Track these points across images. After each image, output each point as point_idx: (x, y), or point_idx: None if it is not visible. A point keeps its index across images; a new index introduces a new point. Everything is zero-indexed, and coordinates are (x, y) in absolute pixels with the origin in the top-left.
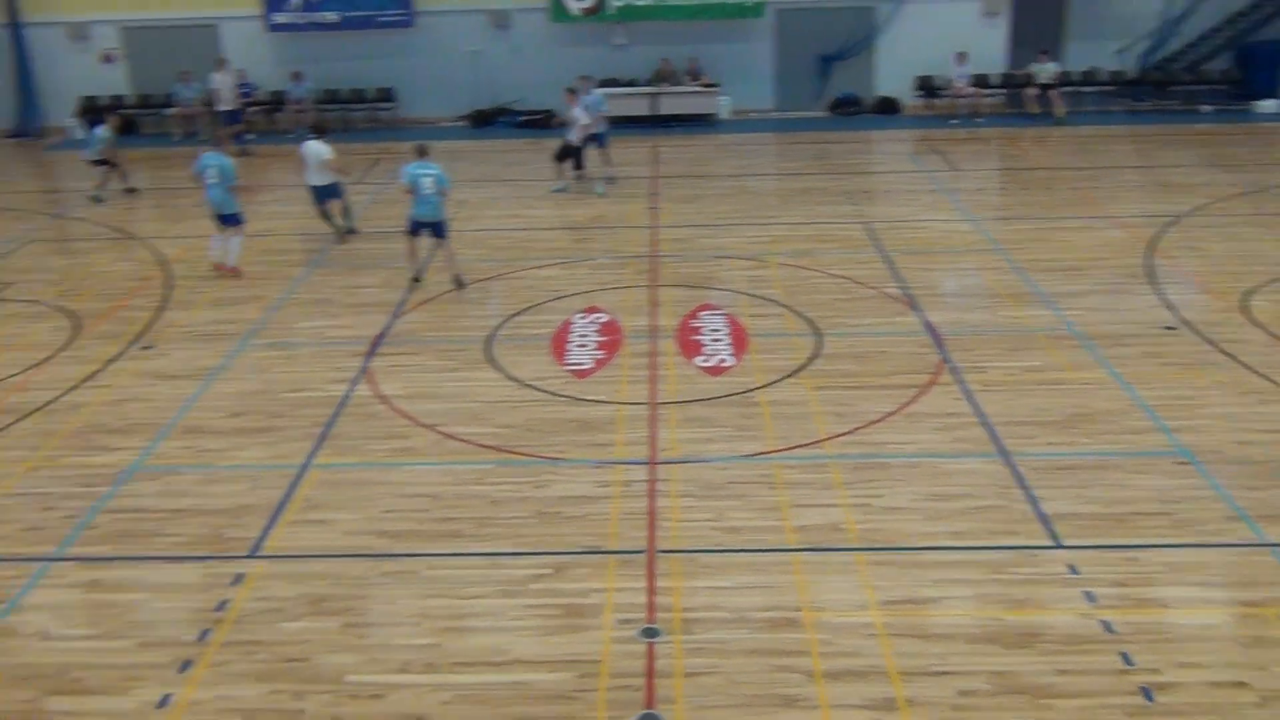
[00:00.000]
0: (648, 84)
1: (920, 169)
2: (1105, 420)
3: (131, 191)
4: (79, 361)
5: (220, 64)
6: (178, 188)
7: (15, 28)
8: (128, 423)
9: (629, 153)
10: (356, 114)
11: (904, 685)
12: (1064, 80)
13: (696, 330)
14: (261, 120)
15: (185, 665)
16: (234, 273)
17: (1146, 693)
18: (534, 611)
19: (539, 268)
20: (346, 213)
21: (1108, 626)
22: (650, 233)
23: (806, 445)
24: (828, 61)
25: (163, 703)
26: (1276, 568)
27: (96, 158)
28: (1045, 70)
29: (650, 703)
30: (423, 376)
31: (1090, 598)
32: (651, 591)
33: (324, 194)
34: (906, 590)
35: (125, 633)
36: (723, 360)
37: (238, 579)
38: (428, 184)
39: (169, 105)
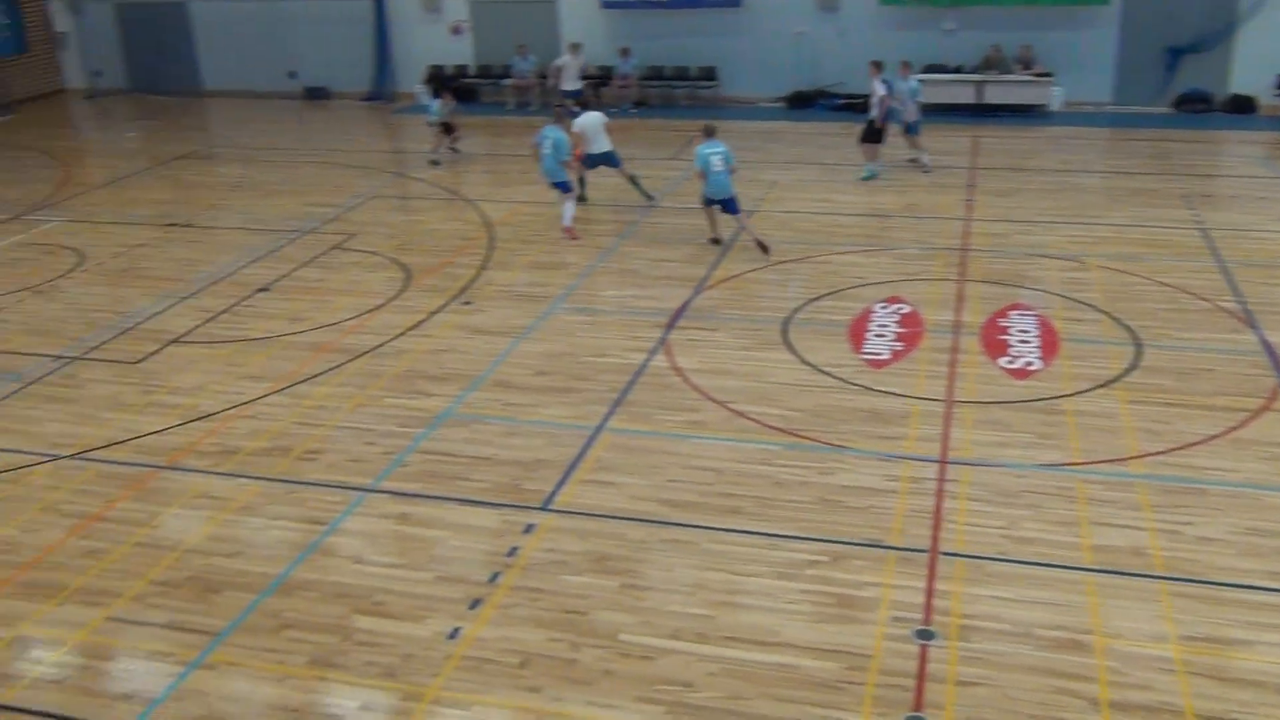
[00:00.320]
0: (974, 71)
1: (1273, 174)
2: None
3: (455, 152)
4: (406, 311)
5: (574, 48)
6: (507, 154)
7: (379, 1)
8: (444, 371)
9: (948, 141)
10: (678, 91)
11: None
12: None
13: (1004, 330)
14: (588, 94)
15: (475, 603)
16: (569, 234)
17: None
18: (807, 597)
19: (844, 253)
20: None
21: None
22: (963, 225)
23: (1113, 461)
24: (1177, 53)
25: (452, 635)
26: None
27: (436, 121)
28: None
29: (919, 705)
30: (718, 353)
31: None
32: (930, 593)
33: (602, 161)
34: (1212, 628)
35: (425, 565)
36: (1029, 363)
37: (529, 528)
38: (716, 162)
39: (506, 76)
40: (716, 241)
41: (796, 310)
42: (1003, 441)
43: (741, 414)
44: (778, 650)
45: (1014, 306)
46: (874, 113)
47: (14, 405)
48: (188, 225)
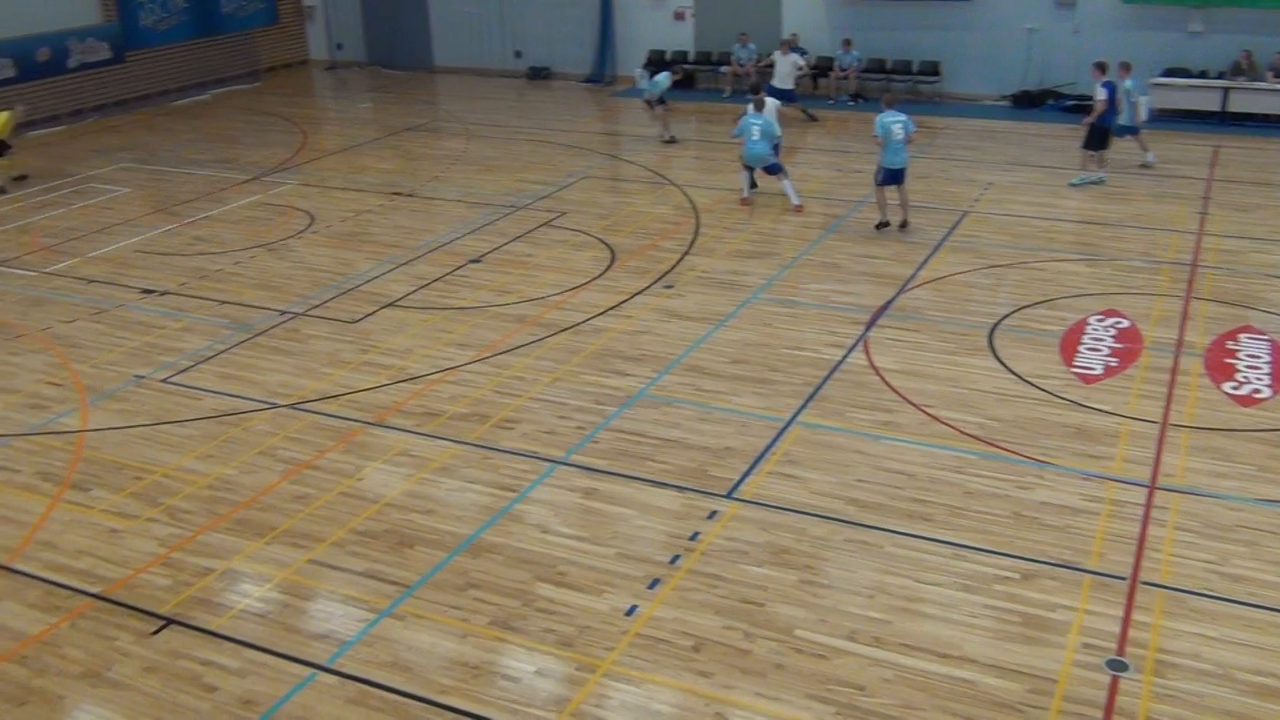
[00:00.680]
0: (1220, 77)
1: None
2: None
3: (671, 142)
4: (608, 291)
5: (785, 46)
6: (718, 141)
7: None
8: (640, 352)
9: (1185, 150)
10: (898, 85)
11: None
12: None
13: (1232, 353)
14: (807, 84)
15: (654, 583)
16: (800, 210)
17: None
18: (992, 613)
19: (1061, 260)
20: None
21: None
22: (1193, 239)
23: None
24: None
25: (629, 612)
26: None
27: (660, 93)
28: None
29: None
30: (918, 354)
31: None
32: (1127, 623)
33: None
34: None
35: (608, 541)
36: (1257, 390)
37: (712, 515)
38: (896, 130)
39: (724, 64)
40: (885, 225)
41: (1005, 316)
42: (1221, 471)
43: (938, 418)
44: (957, 664)
45: (1244, 329)
46: (1092, 116)
47: (242, 354)
48: (410, 195)
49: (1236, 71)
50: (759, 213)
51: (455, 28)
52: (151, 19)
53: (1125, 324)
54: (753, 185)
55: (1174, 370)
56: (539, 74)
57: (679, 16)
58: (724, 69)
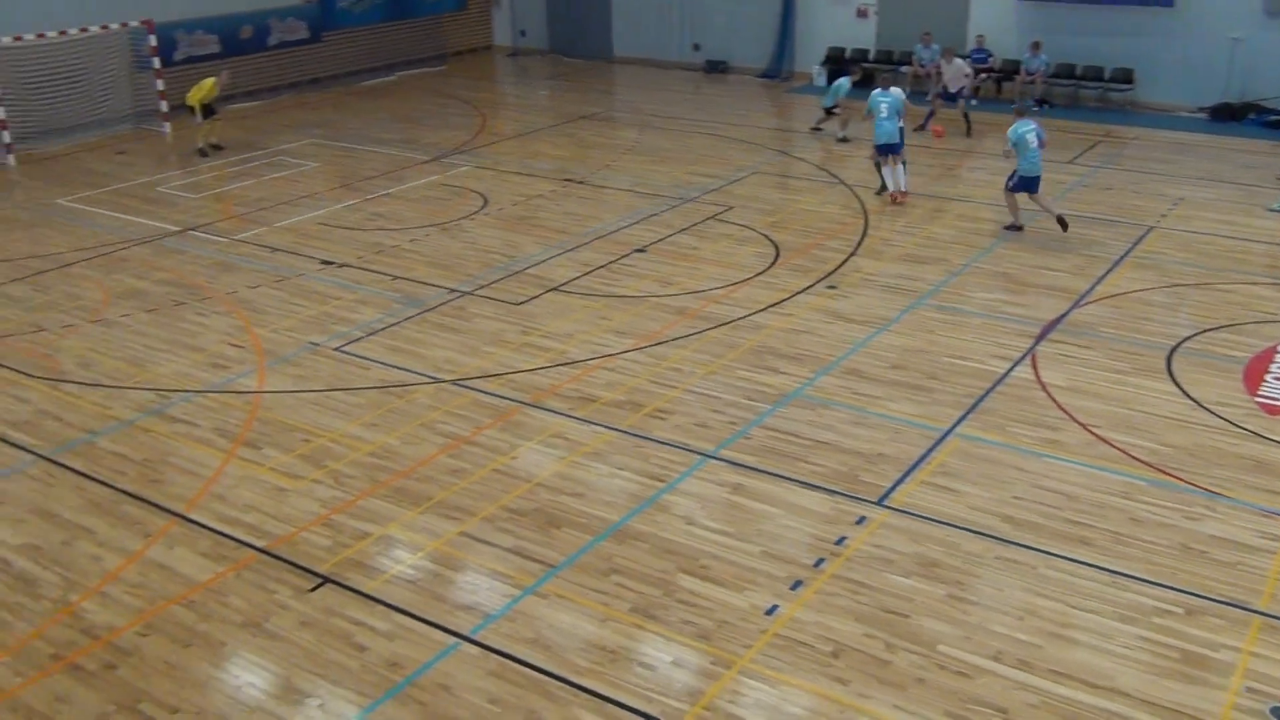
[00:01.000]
0: None
1: None
2: None
3: (844, 141)
4: (770, 288)
5: (949, 53)
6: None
7: None
8: (798, 351)
9: None
10: (1087, 92)
11: None
12: None
13: None
14: (989, 88)
15: (796, 584)
16: (905, 197)
17: None
18: (1149, 646)
19: (1251, 283)
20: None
21: None
22: None
23: None
24: None
25: (770, 611)
26: None
27: (831, 106)
28: None
29: None
30: (1089, 372)
31: None
32: None
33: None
34: None
35: (753, 539)
36: None
37: (861, 520)
38: (1031, 139)
39: (905, 63)
40: (1019, 228)
41: (1186, 338)
42: None
43: (1105, 440)
44: (1107, 696)
45: None
46: None
47: (411, 329)
48: (581, 182)
49: None
50: (931, 217)
51: (636, 19)
52: (348, 1)
53: None
54: (885, 186)
55: None
56: (716, 67)
57: (862, 14)
58: (904, 69)
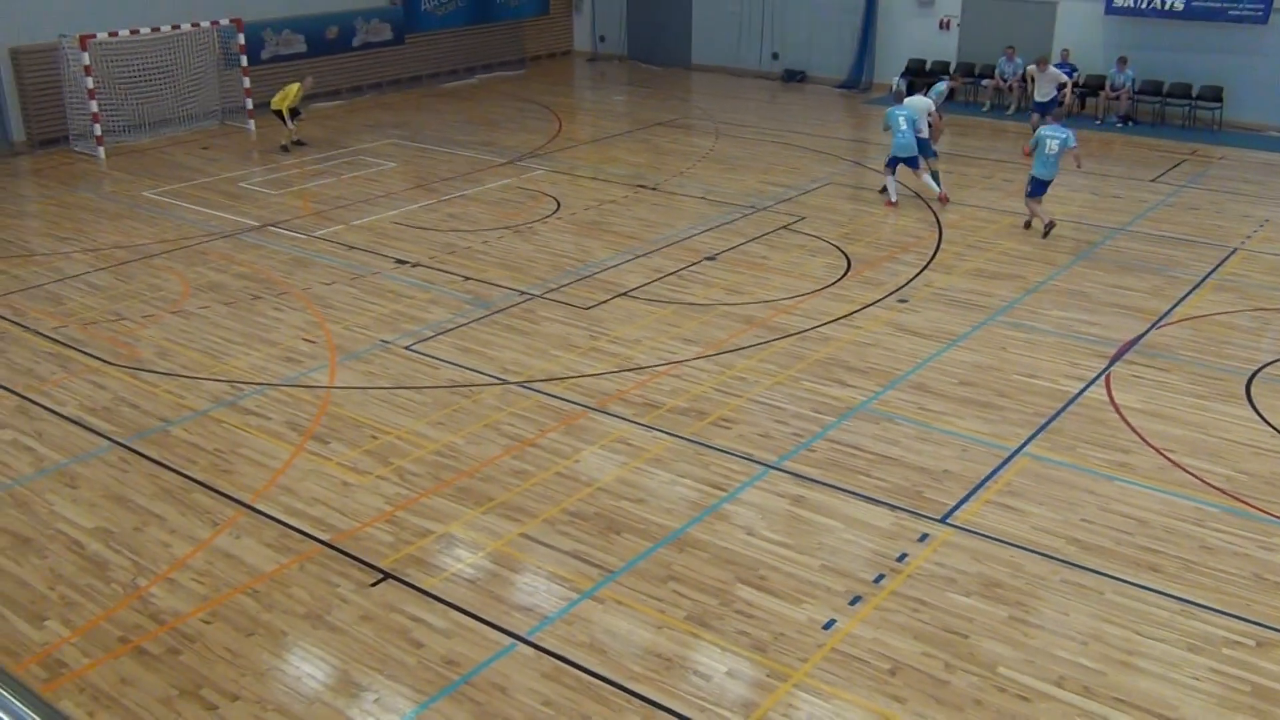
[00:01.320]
0: None
1: None
2: None
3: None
4: (840, 300)
5: (1042, 63)
6: (971, 156)
7: None
8: (866, 365)
9: None
10: (1173, 109)
11: None
12: None
13: None
14: (1074, 104)
15: (855, 600)
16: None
17: None
18: (1217, 678)
19: None
20: (935, 177)
21: None
22: None
23: None
24: None
25: (827, 625)
26: None
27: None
28: None
29: None
30: (1165, 395)
31: None
32: None
33: (920, 148)
34: None
35: (813, 551)
36: None
37: (923, 538)
38: (1052, 145)
39: (987, 77)
40: (1052, 225)
41: (1268, 364)
42: None
43: (1179, 465)
44: None
45: None
46: None
47: (480, 330)
48: (654, 189)
49: None
50: (1005, 233)
51: (715, 27)
52: (432, 4)
53: None
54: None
55: None
56: (793, 76)
57: (944, 25)
58: (985, 82)
